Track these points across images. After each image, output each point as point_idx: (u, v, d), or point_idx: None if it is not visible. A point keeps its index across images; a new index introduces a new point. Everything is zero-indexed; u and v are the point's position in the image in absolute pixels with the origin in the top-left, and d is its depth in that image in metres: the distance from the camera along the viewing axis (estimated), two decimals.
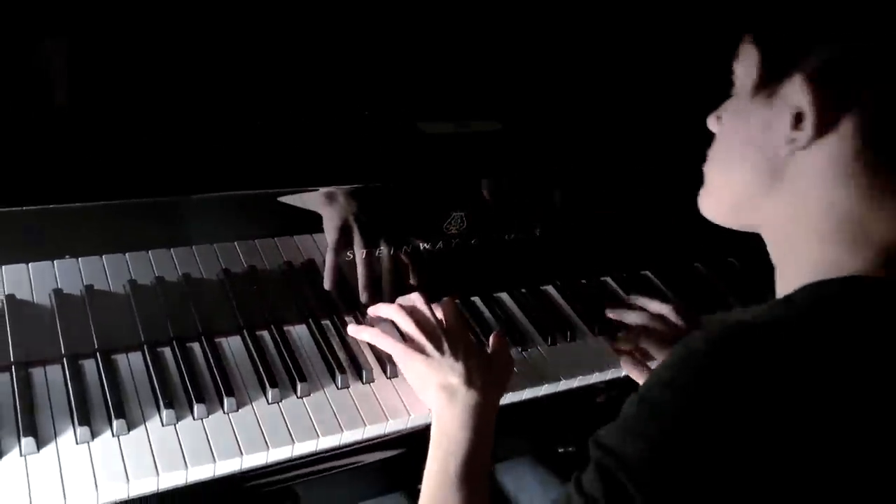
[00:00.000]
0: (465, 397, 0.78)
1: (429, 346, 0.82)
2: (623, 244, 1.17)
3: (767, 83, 0.57)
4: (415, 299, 0.89)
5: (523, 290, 1.08)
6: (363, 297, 0.95)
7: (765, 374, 0.47)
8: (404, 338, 0.86)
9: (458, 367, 0.80)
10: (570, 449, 1.15)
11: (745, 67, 0.59)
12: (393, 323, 0.89)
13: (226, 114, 0.87)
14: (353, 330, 0.89)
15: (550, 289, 1.11)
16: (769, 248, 0.62)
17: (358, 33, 0.90)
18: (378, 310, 0.91)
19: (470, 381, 0.79)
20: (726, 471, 0.46)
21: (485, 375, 0.80)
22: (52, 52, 0.77)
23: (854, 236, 0.54)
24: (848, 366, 0.48)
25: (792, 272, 0.58)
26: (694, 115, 0.69)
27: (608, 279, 1.17)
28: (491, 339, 0.89)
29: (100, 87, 0.81)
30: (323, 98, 0.91)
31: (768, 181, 0.58)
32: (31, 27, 0.75)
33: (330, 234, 0.90)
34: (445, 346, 0.82)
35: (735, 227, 0.64)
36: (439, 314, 0.88)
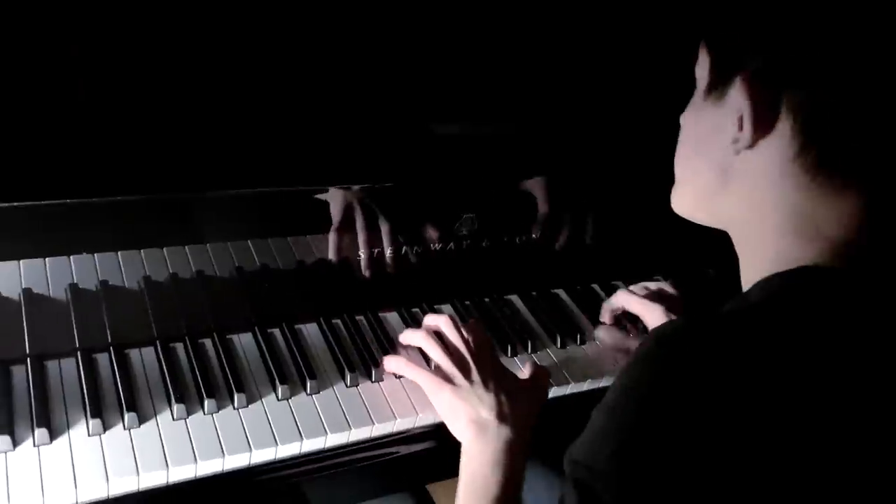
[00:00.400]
0: (496, 433, 0.75)
1: (458, 375, 0.79)
2: (636, 249, 1.17)
3: (717, 86, 0.58)
4: (442, 323, 0.86)
5: (534, 293, 1.08)
6: (372, 297, 0.95)
7: (713, 368, 0.48)
8: (431, 365, 0.85)
9: (489, 398, 0.77)
10: None
11: (701, 70, 0.61)
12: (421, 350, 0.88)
13: (241, 112, 0.88)
14: (386, 363, 0.87)
15: (561, 292, 1.11)
16: (734, 244, 0.63)
17: (377, 32, 0.91)
18: (406, 337, 0.89)
19: (502, 414, 0.76)
20: (687, 467, 0.46)
21: (517, 407, 0.77)
22: (72, 48, 0.78)
23: (806, 231, 0.55)
24: (798, 354, 0.49)
25: (753, 267, 0.59)
26: None
27: (620, 284, 1.17)
28: (528, 366, 0.88)
29: (116, 84, 0.82)
30: (336, 97, 0.92)
31: (722, 180, 0.60)
32: (53, 26, 0.77)
33: (341, 233, 0.90)
34: (475, 374, 0.80)
35: (704, 224, 0.66)
36: (467, 335, 0.85)
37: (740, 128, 0.56)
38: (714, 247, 1.20)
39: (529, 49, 0.99)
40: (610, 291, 1.13)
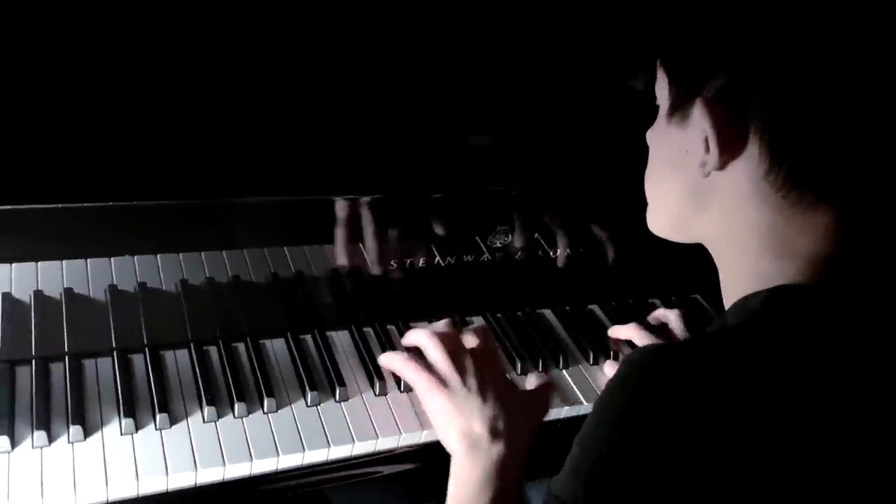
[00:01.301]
0: (488, 450, 0.70)
1: (454, 380, 0.74)
2: (674, 265, 1.15)
3: (678, 107, 0.57)
4: (445, 324, 0.83)
5: (567, 308, 1.07)
6: (403, 307, 0.95)
7: (683, 394, 0.47)
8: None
9: (485, 410, 0.72)
10: None
11: (661, 90, 0.60)
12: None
13: (283, 120, 0.89)
14: (383, 359, 0.82)
15: (596, 308, 1.10)
16: (715, 261, 0.62)
17: (415, 44, 0.91)
18: (408, 337, 0.83)
19: (496, 430, 0.71)
20: (658, 497, 0.46)
21: (514, 420, 0.73)
22: (123, 56, 0.80)
23: (780, 249, 0.54)
24: (772, 378, 0.48)
25: (732, 287, 0.58)
26: None
27: (657, 301, 1.15)
28: (531, 376, 0.86)
29: (158, 93, 0.84)
30: (371, 109, 0.92)
31: (695, 201, 0.59)
32: (98, 25, 0.79)
33: (374, 242, 0.91)
34: (473, 380, 0.74)
35: (683, 242, 0.65)
36: (472, 341, 0.81)
37: (707, 150, 0.54)
38: None
39: (569, 60, 0.98)
40: (646, 308, 1.12)
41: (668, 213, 0.63)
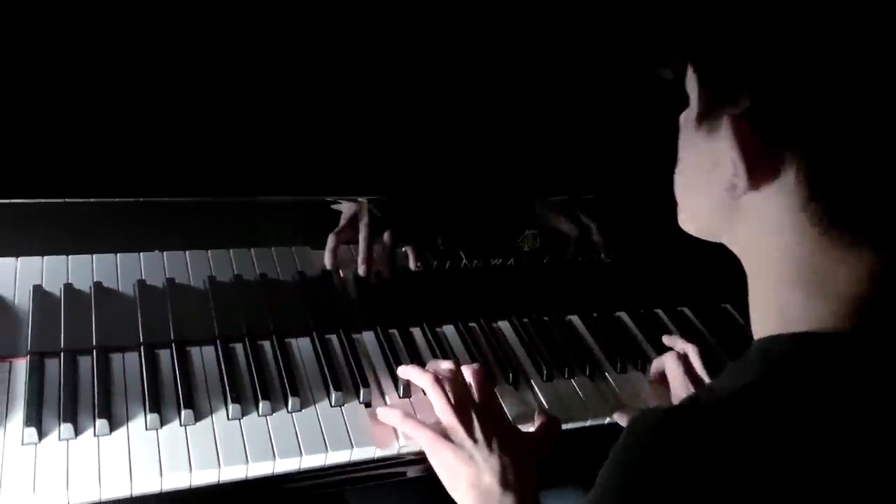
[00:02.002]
0: (499, 501, 0.70)
1: (460, 433, 0.74)
2: (704, 274, 1.13)
3: (708, 115, 0.53)
4: (446, 369, 0.82)
5: (595, 315, 1.06)
6: (428, 310, 0.95)
7: (693, 471, 0.43)
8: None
9: (493, 461, 0.72)
10: None
11: (691, 89, 0.55)
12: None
13: (314, 117, 0.89)
14: (381, 414, 0.81)
15: (624, 315, 1.08)
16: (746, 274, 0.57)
17: (439, 46, 0.91)
18: (408, 373, 0.84)
19: (506, 480, 0.71)
20: None
21: (522, 470, 0.72)
22: (147, 54, 0.81)
23: (812, 285, 0.50)
24: (797, 452, 0.44)
25: (759, 313, 0.54)
26: None
27: (686, 310, 1.14)
28: (539, 419, 0.83)
29: (186, 86, 0.84)
30: (398, 110, 0.92)
31: (725, 215, 0.54)
32: (126, 33, 0.79)
33: (401, 244, 0.90)
34: (478, 432, 0.74)
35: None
36: (468, 385, 0.80)
37: (735, 172, 0.50)
38: None
39: (604, 64, 0.97)
40: (675, 317, 1.11)
41: (697, 219, 0.60)
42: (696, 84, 0.55)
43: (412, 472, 0.82)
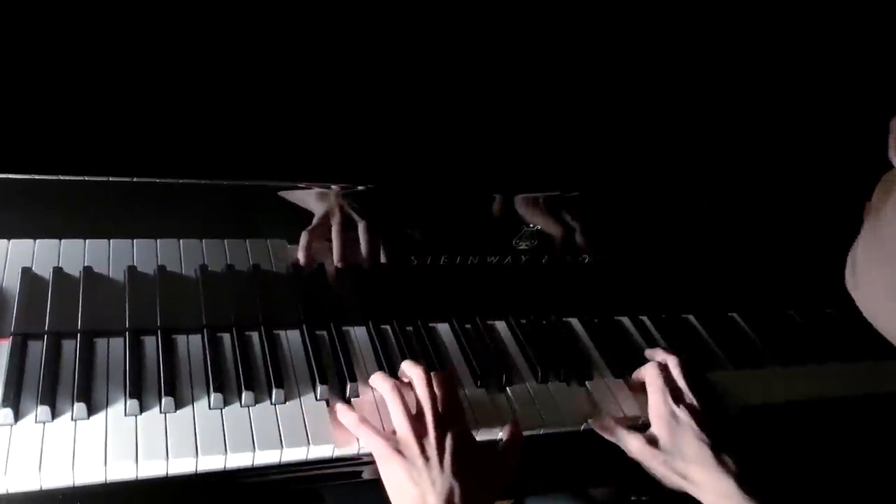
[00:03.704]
0: None
1: (413, 448, 0.71)
2: (710, 281, 1.11)
3: None
4: (415, 376, 0.79)
5: (595, 319, 1.03)
6: (423, 307, 0.93)
7: None
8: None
9: (441, 482, 0.69)
10: (644, 499, 1.08)
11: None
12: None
13: (316, 106, 0.87)
14: (339, 413, 0.79)
15: (625, 320, 1.06)
16: None
17: (432, 39, 0.89)
18: (375, 382, 0.82)
19: (451, 502, 0.69)
20: None
21: (472, 493, 0.70)
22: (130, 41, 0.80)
23: None
24: None
25: None
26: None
27: (691, 317, 1.11)
28: (506, 429, 0.81)
29: (187, 72, 0.83)
30: (396, 100, 0.90)
31: None
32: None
33: (395, 238, 0.89)
34: (432, 449, 0.71)
35: None
36: (435, 397, 0.77)
37: None
38: (798, 285, 1.14)
39: (602, 46, 0.94)
40: (679, 324, 1.08)
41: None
42: None
43: None
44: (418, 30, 0.88)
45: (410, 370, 0.81)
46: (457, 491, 0.69)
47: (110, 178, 0.77)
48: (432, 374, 0.80)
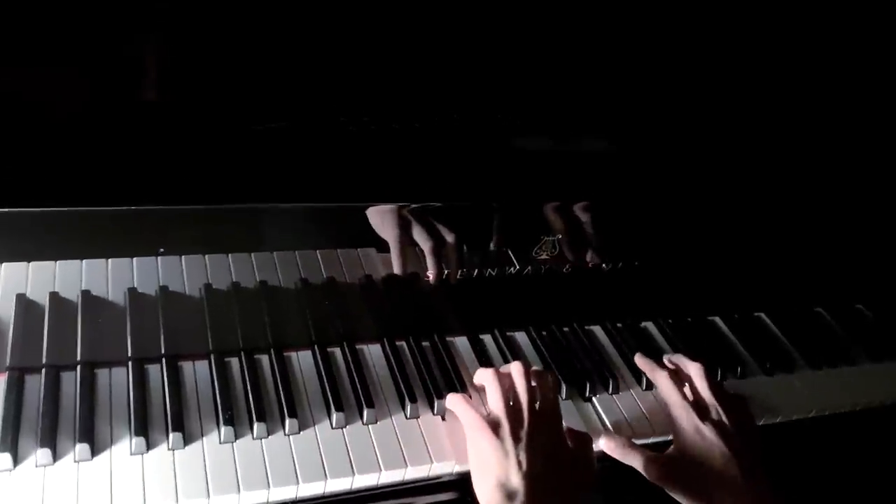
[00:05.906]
0: None
1: (505, 426, 0.71)
2: (735, 280, 1.06)
3: None
4: (514, 369, 0.77)
5: (619, 325, 0.99)
6: (440, 320, 0.89)
7: None
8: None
9: (529, 467, 0.68)
10: None
11: None
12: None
13: (324, 124, 0.82)
14: (448, 401, 0.79)
15: (650, 325, 1.01)
16: None
17: (459, 46, 0.84)
18: (478, 376, 0.81)
19: (532, 490, 0.66)
20: None
21: (555, 485, 0.68)
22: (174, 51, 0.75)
23: None
24: None
25: None
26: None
27: (717, 319, 1.06)
28: (570, 433, 0.76)
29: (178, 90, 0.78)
30: (407, 109, 0.85)
31: None
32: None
33: (411, 250, 0.84)
34: (525, 432, 0.70)
35: None
36: (532, 389, 0.76)
37: None
38: (826, 282, 1.10)
39: (626, 53, 0.89)
40: (705, 327, 1.04)
41: None
42: None
43: (421, 502, 0.76)
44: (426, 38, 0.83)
45: (512, 364, 0.79)
46: (542, 477, 0.68)
47: (108, 209, 0.73)
48: (533, 369, 0.79)
